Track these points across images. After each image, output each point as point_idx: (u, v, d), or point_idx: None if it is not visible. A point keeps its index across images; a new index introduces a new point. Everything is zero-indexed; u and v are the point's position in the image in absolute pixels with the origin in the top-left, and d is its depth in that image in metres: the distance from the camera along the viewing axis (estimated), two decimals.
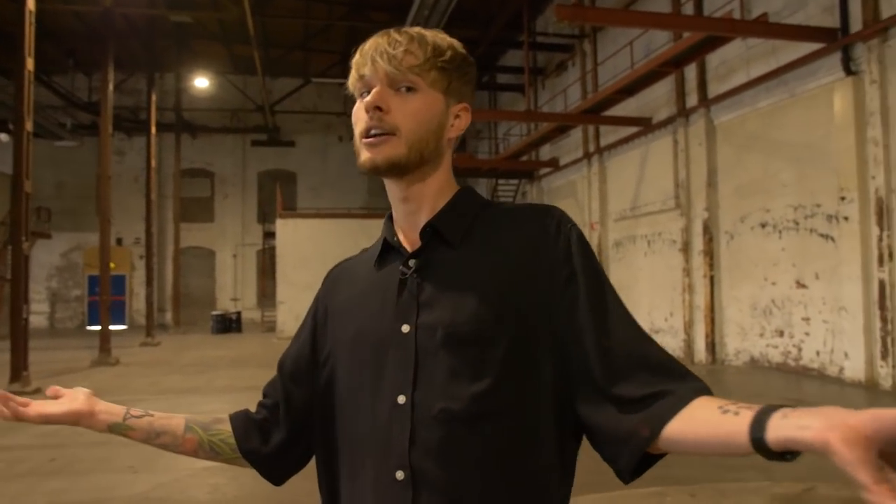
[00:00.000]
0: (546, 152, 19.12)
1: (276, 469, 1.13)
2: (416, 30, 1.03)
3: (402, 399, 0.95)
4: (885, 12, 8.33)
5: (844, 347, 8.82)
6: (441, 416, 0.93)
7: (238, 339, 18.49)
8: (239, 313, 21.89)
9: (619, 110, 13.91)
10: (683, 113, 12.49)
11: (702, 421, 0.82)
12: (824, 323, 9.29)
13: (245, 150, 25.84)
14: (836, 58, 8.99)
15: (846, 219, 8.76)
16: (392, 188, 1.06)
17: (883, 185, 8.24)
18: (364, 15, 18.97)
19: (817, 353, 9.42)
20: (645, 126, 13.79)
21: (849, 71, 8.82)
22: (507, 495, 0.93)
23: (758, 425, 0.71)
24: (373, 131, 0.99)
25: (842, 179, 8.84)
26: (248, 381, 10.59)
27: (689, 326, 12.11)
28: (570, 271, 0.97)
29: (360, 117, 1.00)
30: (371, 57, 0.99)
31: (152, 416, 1.13)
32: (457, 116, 1.06)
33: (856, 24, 8.71)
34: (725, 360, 11.41)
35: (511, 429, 0.94)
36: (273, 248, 21.38)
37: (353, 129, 1.03)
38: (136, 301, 23.69)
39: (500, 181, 21.58)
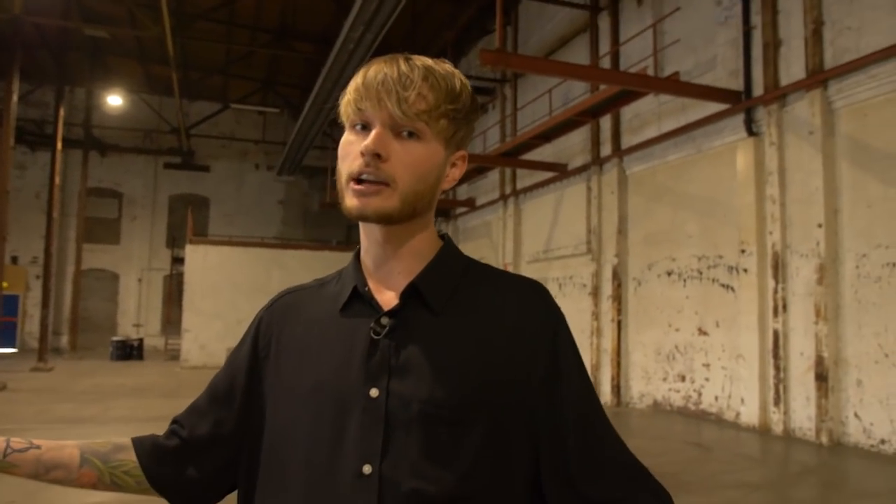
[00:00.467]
0: (463, 192, 19.35)
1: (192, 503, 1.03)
2: (430, 64, 0.95)
3: (367, 469, 0.88)
4: (784, 80, 8.89)
5: (741, 393, 9.19)
6: (413, 497, 0.87)
7: (139, 367, 17.66)
8: (141, 340, 20.95)
9: (536, 155, 14.26)
10: (598, 161, 12.90)
11: None
12: (723, 369, 9.67)
13: (157, 172, 24.97)
14: (739, 119, 9.51)
15: (745, 271, 9.20)
16: (375, 232, 0.98)
17: (779, 240, 8.71)
18: (287, 44, 18.89)
19: (716, 398, 9.78)
20: (560, 172, 14.16)
21: (751, 132, 9.34)
22: None
23: None
24: (364, 177, 0.91)
25: (742, 233, 9.31)
26: (149, 410, 10.11)
27: (596, 369, 12.37)
28: (557, 367, 0.94)
29: (350, 153, 0.93)
30: (377, 93, 0.91)
31: (39, 448, 0.99)
32: (453, 165, 1.00)
33: (758, 89, 9.26)
34: (630, 403, 11.70)
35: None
36: (181, 275, 20.66)
37: (338, 165, 0.96)
38: (30, 323, 22.34)
39: None
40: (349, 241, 25.13)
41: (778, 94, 8.89)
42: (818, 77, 8.30)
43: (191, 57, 20.05)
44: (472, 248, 18.76)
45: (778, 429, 8.53)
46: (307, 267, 18.89)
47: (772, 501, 5.86)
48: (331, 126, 20.00)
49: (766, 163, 9.05)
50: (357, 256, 1.03)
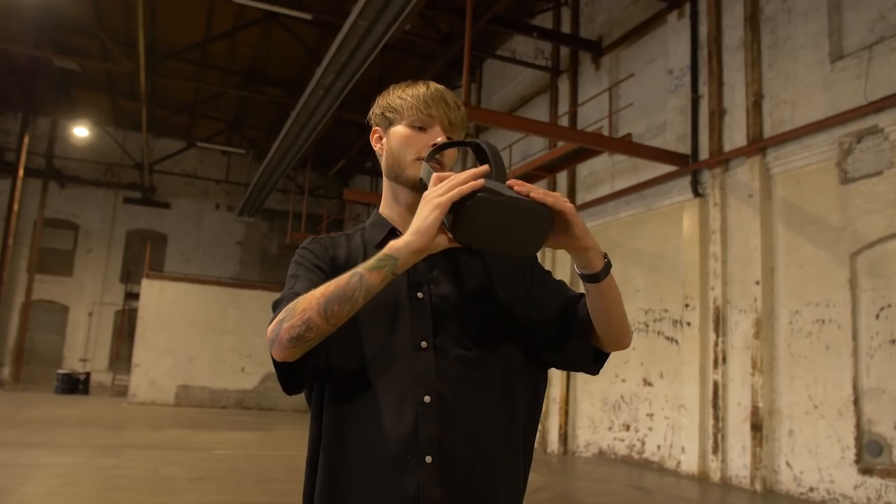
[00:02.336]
0: None
1: (294, 380, 1.31)
2: (451, 92, 1.40)
3: (424, 343, 1.28)
4: (727, 146, 9.51)
5: (682, 442, 9.53)
6: (457, 360, 1.29)
7: (85, 401, 17.31)
8: (88, 374, 20.51)
9: None
10: None
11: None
12: (666, 419, 10.01)
13: (116, 206, 24.60)
14: (686, 180, 10.08)
15: (689, 324, 9.64)
16: (407, 198, 1.38)
17: (720, 295, 9.19)
18: (257, 87, 19.21)
19: (658, 447, 10.09)
20: None
21: (696, 193, 9.90)
22: (500, 408, 1.31)
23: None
24: (435, 158, 1.32)
25: (687, 288, 9.78)
26: (98, 439, 10.03)
27: (545, 418, 12.61)
28: (535, 270, 1.43)
29: (415, 142, 1.34)
30: (440, 103, 1.35)
31: None
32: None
33: (704, 153, 9.86)
34: (576, 452, 11.94)
35: (502, 367, 1.33)
36: (134, 310, 20.42)
37: (400, 153, 1.36)
38: None
39: None
40: None
41: (722, 159, 9.48)
42: (758, 144, 8.92)
43: (160, 94, 20.21)
44: None
45: (716, 476, 8.85)
46: (264, 308, 18.86)
47: None
48: (294, 170, 20.30)
49: (709, 223, 9.59)
50: (378, 213, 1.44)
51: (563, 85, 13.65)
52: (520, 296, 1.38)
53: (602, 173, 12.14)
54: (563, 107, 13.46)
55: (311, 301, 1.17)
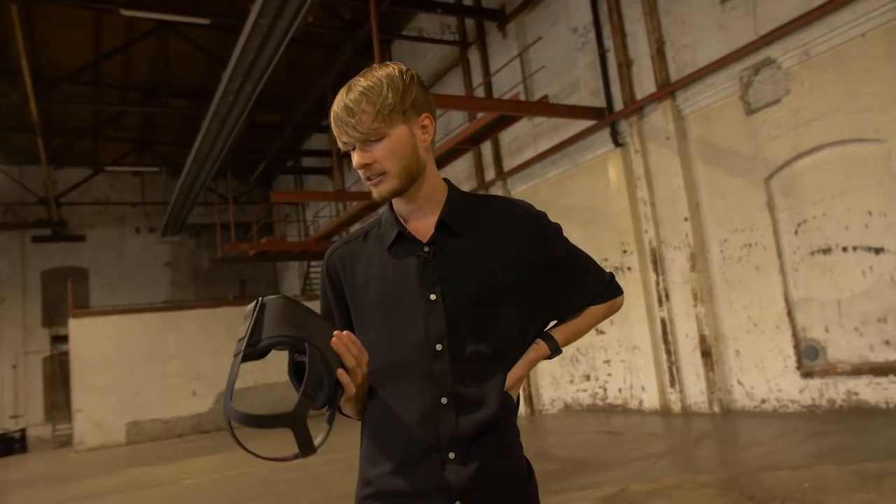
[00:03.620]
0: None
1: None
2: (363, 83, 1.35)
3: (439, 346, 1.36)
4: (639, 94, 9.93)
5: (641, 382, 10.01)
6: (473, 357, 1.37)
7: (24, 460, 16.55)
8: (23, 430, 19.56)
9: None
10: (483, 186, 13.65)
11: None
12: (622, 363, 10.48)
13: (24, 247, 23.30)
14: (606, 133, 10.47)
15: (629, 269, 10.09)
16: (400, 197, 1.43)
17: (654, 237, 9.66)
18: (160, 101, 18.66)
19: (619, 391, 10.57)
20: None
21: (617, 143, 10.31)
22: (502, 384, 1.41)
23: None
24: (370, 178, 1.38)
25: (622, 235, 10.22)
26: (49, 499, 9.66)
27: None
28: (546, 240, 1.49)
29: (356, 166, 1.38)
30: (341, 128, 1.35)
31: None
32: (422, 127, 1.41)
33: (618, 105, 10.26)
34: (543, 410, 12.35)
35: (516, 351, 1.44)
36: (64, 353, 19.67)
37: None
38: None
39: (313, 263, 21.77)
40: (245, 294, 24.82)
41: (636, 107, 9.90)
42: (667, 89, 9.36)
43: (55, 121, 19.31)
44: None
45: (676, 407, 9.36)
46: (206, 327, 18.58)
47: (678, 462, 6.55)
48: (214, 181, 19.94)
49: (633, 169, 10.02)
50: (390, 208, 1.48)
51: (474, 57, 13.88)
52: (535, 269, 1.46)
53: (525, 137, 12.46)
54: (477, 78, 13.69)
55: None
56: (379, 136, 1.34)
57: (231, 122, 14.04)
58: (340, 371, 1.23)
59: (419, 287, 1.38)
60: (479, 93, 13.23)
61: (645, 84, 9.84)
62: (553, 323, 1.55)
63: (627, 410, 10.32)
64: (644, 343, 9.83)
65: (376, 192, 1.39)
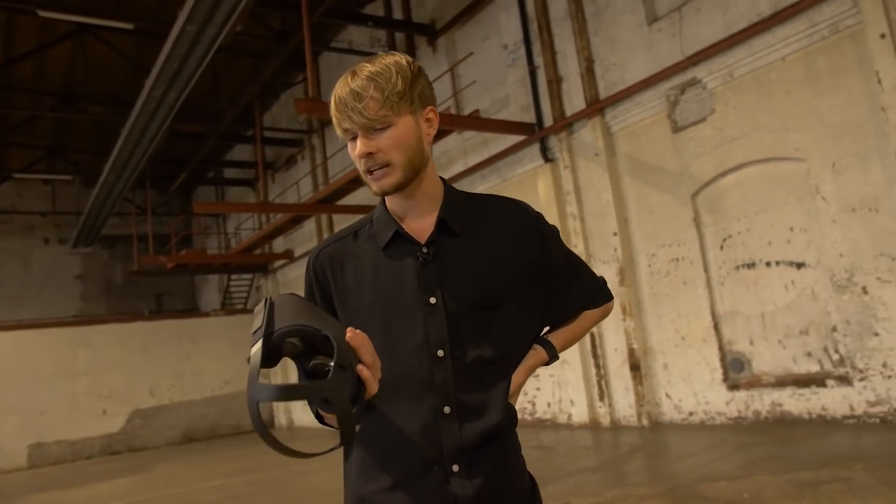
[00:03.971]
0: (280, 245, 19.31)
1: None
2: (370, 68, 1.28)
3: (440, 352, 1.29)
4: (569, 110, 10.07)
5: (570, 396, 10.08)
6: (475, 363, 1.30)
7: None
8: None
9: (351, 199, 14.70)
10: None
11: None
12: (551, 377, 10.53)
13: None
14: (536, 148, 10.57)
15: None
16: (397, 194, 1.33)
17: (584, 251, 9.77)
18: (76, 107, 17.87)
19: (548, 405, 10.62)
20: None
21: (547, 158, 10.41)
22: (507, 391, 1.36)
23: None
24: (371, 169, 1.27)
25: None
26: None
27: None
28: (545, 243, 1.42)
29: (355, 158, 1.29)
30: (345, 112, 1.26)
31: None
32: (427, 120, 1.34)
33: (548, 120, 10.38)
34: None
35: (517, 354, 1.39)
36: None
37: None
38: None
39: (233, 276, 21.20)
40: (161, 308, 23.94)
41: (565, 123, 10.03)
42: (596, 106, 9.52)
43: None
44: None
45: (605, 421, 9.46)
46: (119, 342, 17.79)
47: (610, 477, 6.58)
48: (132, 190, 19.19)
49: (563, 184, 10.13)
50: (384, 206, 1.39)
51: None
52: (534, 271, 1.40)
53: (454, 151, 12.46)
54: None
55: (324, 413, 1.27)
56: (385, 125, 1.26)
57: (152, 130, 13.54)
58: (361, 366, 1.11)
59: (418, 290, 1.31)
60: None
61: (574, 101, 9.99)
62: (547, 328, 1.50)
63: (557, 425, 10.37)
64: (573, 357, 9.91)
65: (377, 186, 1.30)
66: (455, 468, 1.26)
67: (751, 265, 7.87)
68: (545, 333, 1.49)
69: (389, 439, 1.29)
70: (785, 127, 7.38)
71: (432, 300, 1.30)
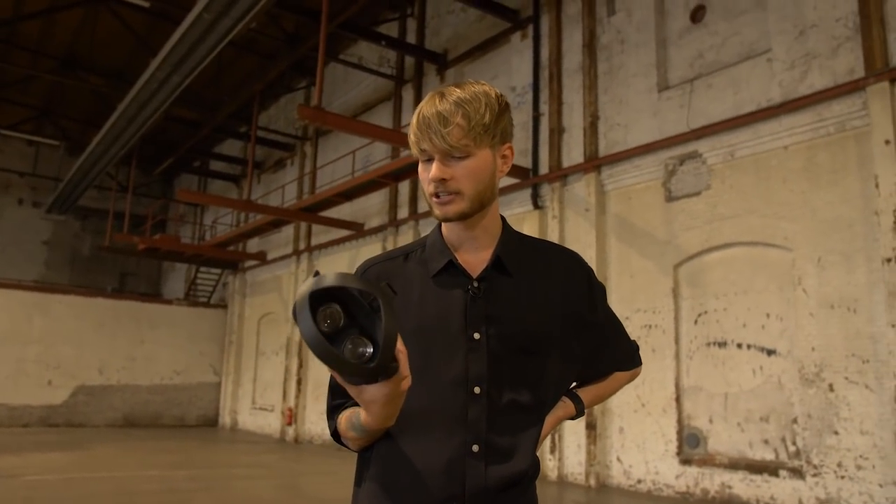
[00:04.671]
0: (254, 245, 19.10)
1: None
2: (460, 95, 1.25)
3: (477, 389, 1.26)
4: (566, 162, 10.13)
5: None
6: (510, 406, 1.28)
7: None
8: None
9: (334, 212, 14.63)
10: (394, 223, 13.53)
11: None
12: None
13: None
14: (527, 193, 10.60)
15: None
16: (457, 224, 1.31)
17: None
18: (76, 74, 17.65)
19: None
20: (358, 231, 14.61)
21: (536, 205, 10.44)
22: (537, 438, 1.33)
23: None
24: (440, 194, 1.25)
25: None
26: None
27: None
28: (593, 299, 1.41)
29: (425, 179, 1.27)
30: (427, 134, 1.24)
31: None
32: (503, 156, 1.32)
33: (544, 168, 10.42)
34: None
35: (550, 408, 1.37)
36: None
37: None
38: None
39: (202, 269, 20.89)
40: (124, 288, 23.50)
41: (560, 174, 10.08)
42: (594, 162, 9.59)
43: None
44: (261, 303, 18.48)
45: (553, 475, 9.37)
46: (77, 315, 17.41)
47: None
48: (116, 167, 18.93)
49: (548, 234, 10.14)
50: (439, 233, 1.37)
51: (408, 94, 13.87)
52: (579, 323, 1.39)
53: None
54: (407, 116, 13.66)
55: (343, 429, 1.30)
56: (464, 154, 1.25)
57: (149, 110, 13.44)
58: (400, 348, 1.04)
59: (463, 323, 1.28)
60: (407, 131, 13.17)
61: (573, 153, 10.06)
62: (574, 384, 1.49)
63: None
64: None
65: (441, 212, 1.28)
66: None
67: (722, 344, 7.89)
68: (574, 387, 1.48)
69: (410, 470, 1.25)
70: (777, 214, 7.46)
71: (476, 336, 1.28)
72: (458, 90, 1.28)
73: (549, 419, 1.37)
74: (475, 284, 1.30)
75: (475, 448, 1.24)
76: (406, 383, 1.09)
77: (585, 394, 1.48)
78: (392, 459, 1.27)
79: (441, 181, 1.25)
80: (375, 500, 1.28)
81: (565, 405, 1.42)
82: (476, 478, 1.23)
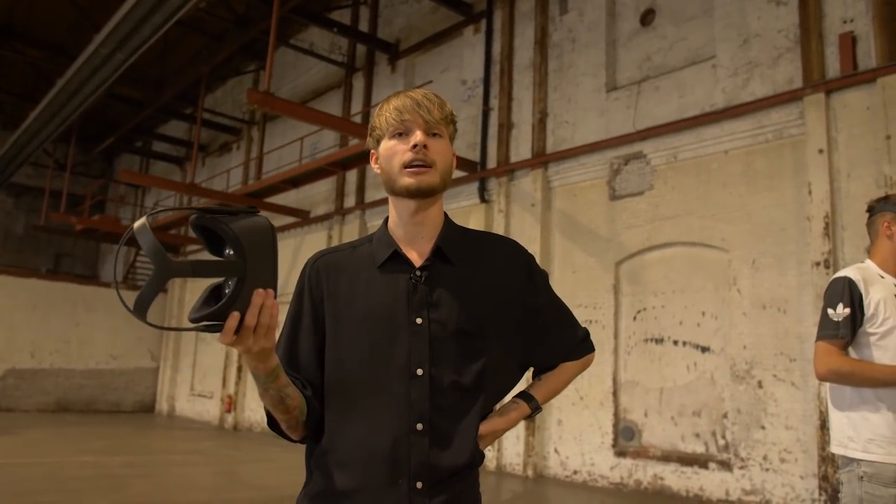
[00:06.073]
0: None
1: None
2: (424, 91, 1.42)
3: (420, 371, 1.33)
4: (514, 157, 10.24)
5: None
6: (452, 387, 1.35)
7: None
8: None
9: (280, 199, 14.46)
10: (341, 212, 13.46)
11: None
12: None
13: None
14: (474, 186, 10.66)
15: None
16: (408, 207, 1.39)
17: None
18: (11, 45, 16.95)
19: None
20: (303, 218, 14.48)
21: (483, 199, 10.52)
22: (479, 420, 1.38)
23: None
24: (416, 163, 1.34)
25: None
26: None
27: None
28: (534, 285, 1.47)
29: (397, 151, 1.37)
30: (414, 109, 1.37)
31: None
32: (454, 155, 1.44)
33: (491, 163, 10.51)
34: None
35: (497, 391, 1.43)
36: None
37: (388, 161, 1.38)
38: None
39: (142, 252, 20.32)
40: (58, 269, 22.76)
41: (508, 169, 10.19)
42: (541, 159, 9.72)
43: None
44: (202, 288, 17.89)
45: (491, 465, 9.49)
46: (8, 295, 16.80)
47: None
48: (53, 144, 18.31)
49: (494, 227, 10.23)
50: (385, 228, 1.45)
51: (358, 83, 13.79)
52: (519, 309, 1.45)
53: None
54: (357, 105, 13.59)
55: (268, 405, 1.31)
56: (440, 133, 1.39)
57: (91, 87, 13.01)
58: (234, 313, 1.10)
59: (406, 309, 1.36)
60: (357, 120, 13.12)
61: (521, 149, 10.17)
62: (529, 384, 1.55)
63: None
64: None
65: (416, 181, 1.35)
66: (419, 485, 1.29)
67: (659, 340, 8.13)
68: (529, 387, 1.53)
69: (358, 448, 1.32)
70: (715, 217, 7.71)
71: (419, 321, 1.35)
72: (419, 90, 1.44)
73: (501, 420, 1.43)
74: (417, 273, 1.38)
75: (419, 426, 1.31)
76: (235, 347, 1.14)
77: (538, 390, 1.52)
78: (342, 438, 1.34)
79: (424, 148, 1.35)
80: (325, 475, 1.34)
81: (518, 406, 1.48)
82: (420, 455, 1.30)
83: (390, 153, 1.37)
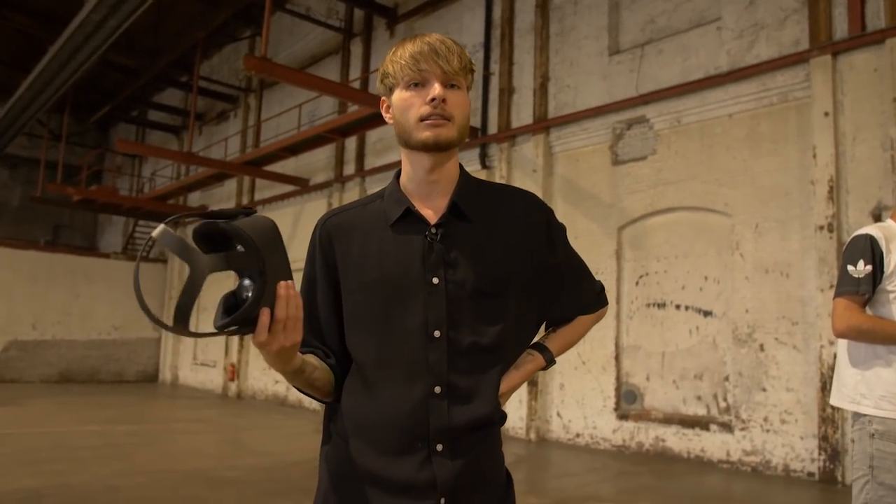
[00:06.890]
0: (196, 199, 18.68)
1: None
2: (446, 39, 1.32)
3: (437, 333, 1.29)
4: (515, 123, 10.17)
5: None
6: (470, 348, 1.30)
7: None
8: None
9: (279, 167, 14.39)
10: (340, 179, 13.41)
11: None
12: None
13: None
14: (475, 152, 10.61)
15: None
16: (424, 163, 1.33)
17: None
18: (2, 13, 16.66)
19: None
20: (303, 186, 14.42)
21: (484, 165, 10.48)
22: (499, 378, 1.35)
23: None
24: (433, 117, 1.27)
25: None
26: None
27: None
28: (552, 240, 1.42)
29: (413, 104, 1.29)
30: (432, 57, 1.28)
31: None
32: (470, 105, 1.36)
33: (493, 128, 10.45)
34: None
35: (515, 351, 1.39)
36: None
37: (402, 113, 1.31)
38: None
39: (141, 222, 20.32)
40: (57, 240, 22.71)
41: (509, 135, 10.13)
42: (543, 124, 9.66)
43: None
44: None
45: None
46: (8, 267, 16.79)
47: None
48: (47, 114, 18.14)
49: None
50: (396, 183, 1.39)
51: (356, 48, 13.64)
52: (537, 266, 1.40)
53: (391, 139, 12.35)
54: (355, 71, 13.45)
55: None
56: (458, 84, 1.31)
57: (83, 54, 12.84)
58: (265, 310, 1.09)
59: (421, 269, 1.31)
60: (356, 86, 12.99)
61: (523, 114, 10.10)
62: (542, 334, 1.51)
63: None
64: None
65: (434, 133, 1.28)
66: (439, 447, 1.26)
67: (661, 305, 8.16)
68: (543, 338, 1.51)
69: (377, 412, 1.29)
70: (719, 181, 7.69)
71: (435, 280, 1.30)
72: (437, 35, 1.33)
73: (517, 373, 1.38)
74: (433, 231, 1.33)
75: (437, 389, 1.27)
76: (269, 346, 1.13)
77: (553, 342, 1.49)
78: (360, 403, 1.31)
79: (443, 101, 1.27)
80: (345, 440, 1.32)
81: (534, 358, 1.43)
82: (440, 418, 1.27)
83: (406, 105, 1.30)
